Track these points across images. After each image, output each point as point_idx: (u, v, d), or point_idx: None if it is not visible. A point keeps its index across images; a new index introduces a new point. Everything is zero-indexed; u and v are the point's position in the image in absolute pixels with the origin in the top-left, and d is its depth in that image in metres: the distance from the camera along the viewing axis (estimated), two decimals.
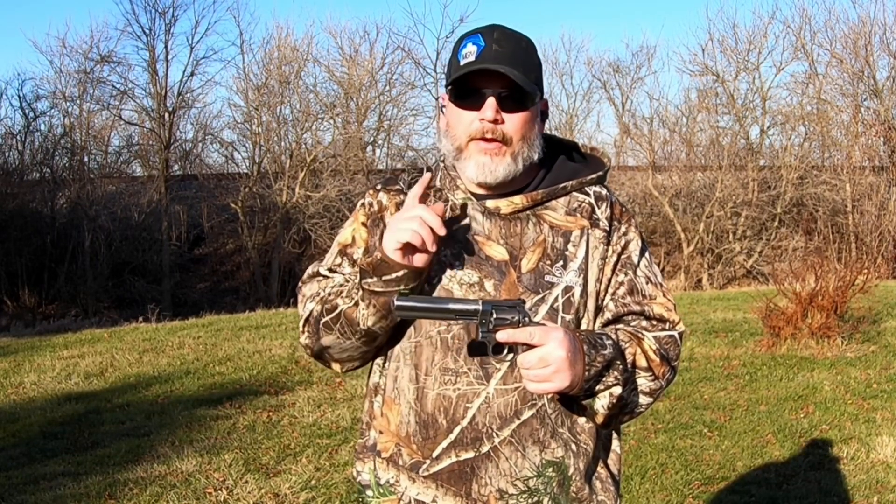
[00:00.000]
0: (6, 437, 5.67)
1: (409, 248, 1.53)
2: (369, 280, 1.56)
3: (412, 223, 1.52)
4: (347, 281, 1.70)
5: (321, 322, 1.66)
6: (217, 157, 24.28)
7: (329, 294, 1.67)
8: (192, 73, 21.97)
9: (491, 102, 1.59)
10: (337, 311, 1.63)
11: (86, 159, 22.09)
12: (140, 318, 12.06)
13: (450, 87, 1.63)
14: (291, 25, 42.44)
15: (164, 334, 9.68)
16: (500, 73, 1.56)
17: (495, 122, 1.59)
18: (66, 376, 7.48)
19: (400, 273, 1.55)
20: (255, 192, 21.43)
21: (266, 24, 43.63)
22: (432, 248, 1.53)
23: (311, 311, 1.68)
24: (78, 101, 21.40)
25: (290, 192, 20.98)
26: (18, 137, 21.18)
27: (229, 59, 36.13)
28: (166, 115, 21.42)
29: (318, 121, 22.77)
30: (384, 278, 1.55)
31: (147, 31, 21.37)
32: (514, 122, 1.60)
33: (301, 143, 22.18)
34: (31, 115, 21.36)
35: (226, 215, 21.95)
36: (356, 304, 1.61)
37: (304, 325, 1.71)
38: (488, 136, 1.60)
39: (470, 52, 1.60)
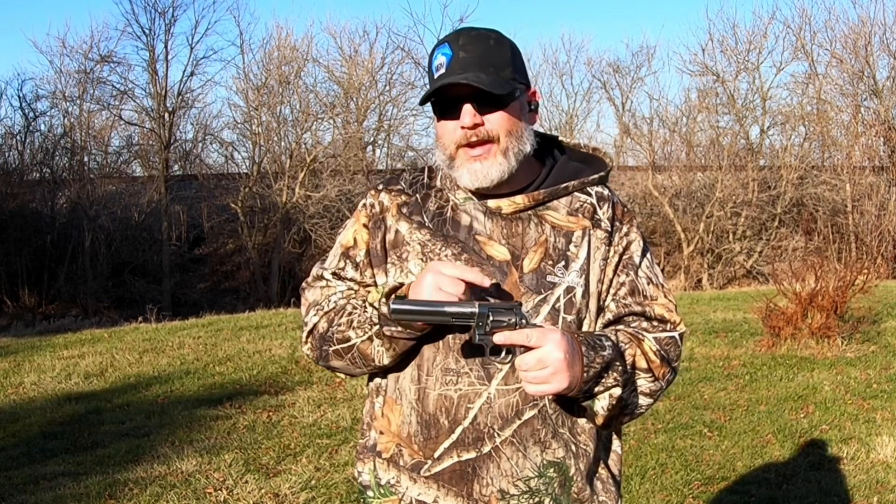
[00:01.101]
0: (6, 437, 5.67)
1: None
2: (392, 329, 1.58)
3: (451, 296, 1.52)
4: (351, 291, 1.71)
5: (331, 349, 1.67)
6: (217, 157, 24.29)
7: (334, 311, 1.68)
8: (192, 73, 21.97)
9: (468, 109, 1.59)
10: (349, 344, 1.64)
11: (86, 159, 22.08)
12: (140, 318, 12.06)
13: (431, 104, 1.64)
14: (291, 25, 42.39)
15: (164, 334, 9.68)
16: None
17: (475, 126, 1.60)
18: (66, 376, 7.48)
19: (426, 331, 1.58)
20: (255, 192, 21.42)
21: (266, 24, 43.56)
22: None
23: (316, 326, 1.69)
24: (78, 101, 21.40)
25: (290, 192, 20.97)
26: (18, 137, 21.17)
27: (229, 59, 36.20)
28: (166, 115, 21.41)
29: (318, 121, 22.77)
30: (409, 330, 1.58)
31: (147, 31, 21.36)
32: (495, 120, 1.60)
33: (301, 143, 22.17)
34: (31, 115, 21.36)
35: (226, 215, 21.94)
36: (370, 340, 1.61)
37: (307, 337, 1.72)
38: (473, 140, 1.60)
39: (440, 63, 1.62)
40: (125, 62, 25.00)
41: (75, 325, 13.18)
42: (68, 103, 21.45)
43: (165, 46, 21.48)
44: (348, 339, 1.64)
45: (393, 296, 1.57)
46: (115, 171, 22.97)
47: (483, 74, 1.57)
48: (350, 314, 1.65)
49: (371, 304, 1.61)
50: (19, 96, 25.61)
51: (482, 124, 1.60)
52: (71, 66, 21.81)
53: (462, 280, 1.52)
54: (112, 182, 22.23)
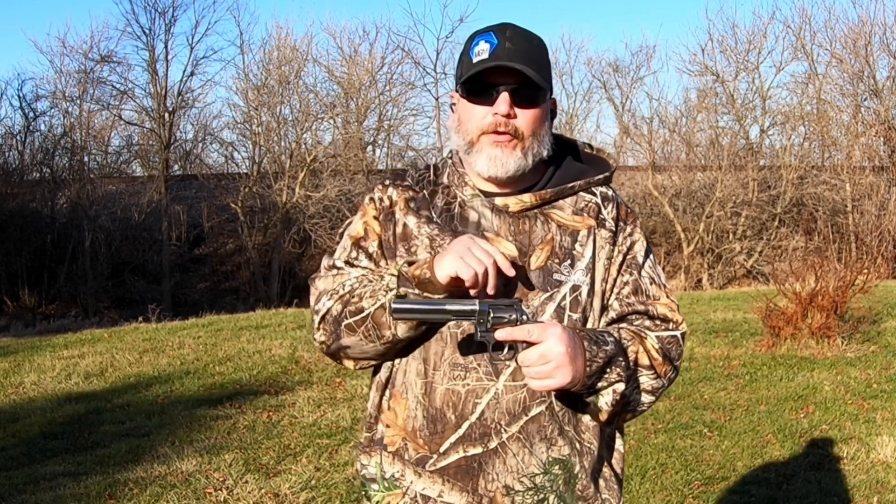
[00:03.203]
0: (6, 437, 5.67)
1: (460, 280, 1.53)
2: (410, 290, 1.57)
3: (480, 262, 1.51)
4: (366, 276, 1.68)
5: (343, 323, 1.64)
6: (217, 157, 24.31)
7: (349, 292, 1.65)
8: (192, 73, 22.00)
9: (504, 97, 1.60)
10: (364, 314, 1.61)
11: (86, 159, 22.10)
12: (140, 318, 12.05)
13: (463, 84, 1.64)
14: (291, 25, 42.45)
15: (164, 334, 9.67)
16: (513, 69, 1.58)
17: (508, 116, 1.61)
18: (66, 376, 7.48)
19: (443, 294, 1.56)
20: (255, 192, 21.43)
21: (266, 24, 43.68)
22: (489, 290, 1.53)
23: (329, 310, 1.66)
24: (78, 101, 21.42)
25: (290, 192, 20.98)
26: (18, 137, 21.18)
27: (229, 60, 36.15)
28: (166, 115, 21.42)
29: (318, 121, 22.79)
30: (425, 294, 1.56)
31: (147, 31, 21.40)
32: (526, 118, 1.62)
33: (301, 143, 22.18)
34: (31, 115, 21.38)
35: (226, 215, 21.95)
36: (383, 308, 1.59)
37: (319, 323, 1.68)
38: (501, 129, 1.61)
39: (483, 49, 1.61)
40: (125, 62, 25.01)
41: (75, 325, 13.17)
42: (68, 103, 21.49)
43: (165, 46, 21.53)
44: (362, 310, 1.61)
45: (393, 296, 1.57)
46: (115, 171, 23.00)
47: (528, 68, 1.58)
48: (365, 287, 1.63)
49: (392, 275, 1.61)
50: (19, 96, 25.63)
51: (514, 117, 1.61)
52: (71, 66, 21.88)
53: (493, 257, 1.51)
54: (112, 182, 22.24)
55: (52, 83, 22.31)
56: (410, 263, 1.61)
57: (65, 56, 24.75)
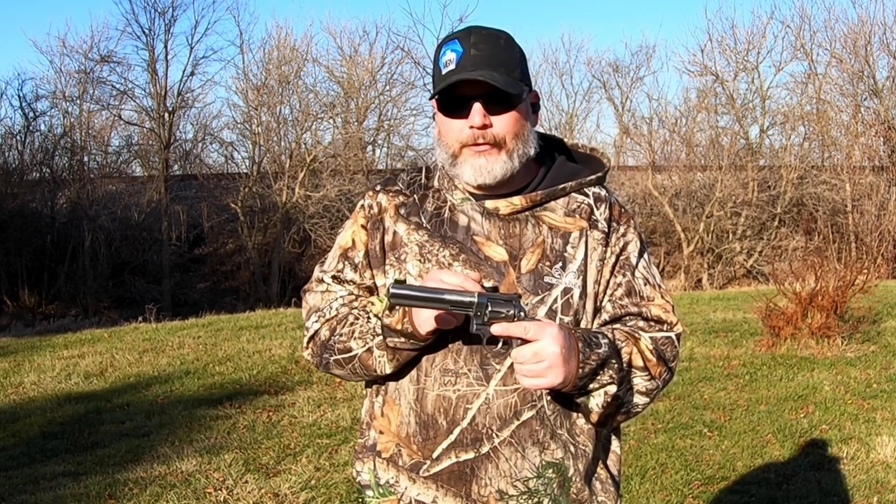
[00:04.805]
0: (6, 437, 5.67)
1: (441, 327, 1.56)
2: (395, 340, 1.59)
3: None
4: (352, 298, 1.70)
5: (332, 358, 1.67)
6: (217, 157, 24.31)
7: (335, 318, 1.68)
8: (192, 73, 22.01)
9: (477, 108, 1.58)
10: (351, 354, 1.65)
11: (86, 159, 22.11)
12: (140, 318, 12.05)
13: (437, 99, 1.63)
14: (291, 25, 42.40)
15: (164, 334, 9.68)
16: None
17: (484, 127, 1.59)
18: (66, 376, 7.48)
19: (429, 341, 1.59)
20: (255, 192, 21.43)
21: (265, 23, 43.57)
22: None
23: (318, 332, 1.69)
24: (78, 101, 21.42)
25: (290, 192, 20.98)
26: (18, 137, 21.19)
27: (229, 59, 36.15)
28: (166, 115, 21.42)
29: (317, 121, 22.79)
30: (412, 341, 1.58)
31: (147, 31, 21.40)
32: (503, 123, 1.60)
33: (301, 143, 22.19)
34: (31, 115, 21.39)
35: (226, 215, 21.96)
36: (370, 351, 1.62)
37: (308, 342, 1.72)
38: (479, 141, 1.60)
39: (450, 59, 1.59)
40: (125, 62, 24.99)
41: (75, 325, 13.17)
42: (68, 103, 21.50)
43: (165, 46, 21.53)
44: (349, 350, 1.65)
45: (393, 280, 1.57)
46: (115, 171, 23.01)
47: (495, 74, 1.56)
48: (352, 325, 1.65)
49: (375, 316, 1.62)
50: (19, 96, 25.64)
51: (490, 125, 1.59)
52: (71, 66, 21.89)
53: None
54: (112, 182, 22.25)
55: (52, 83, 22.34)
56: (391, 308, 1.59)
57: (65, 56, 24.75)
